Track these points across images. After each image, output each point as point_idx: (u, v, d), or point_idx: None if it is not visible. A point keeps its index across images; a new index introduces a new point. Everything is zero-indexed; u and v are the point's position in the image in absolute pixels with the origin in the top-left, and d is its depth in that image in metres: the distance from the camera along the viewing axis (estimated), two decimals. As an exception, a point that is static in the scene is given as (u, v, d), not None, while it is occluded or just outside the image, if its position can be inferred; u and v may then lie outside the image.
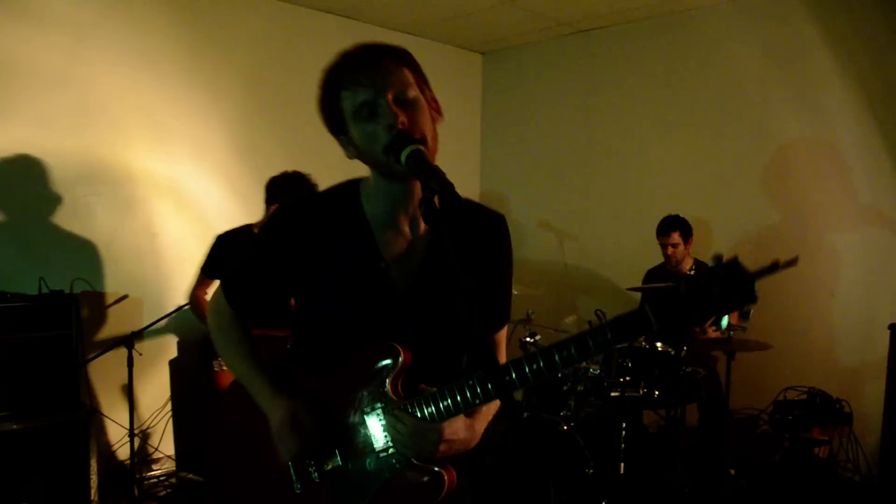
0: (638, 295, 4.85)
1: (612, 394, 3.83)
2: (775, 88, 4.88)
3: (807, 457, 4.24)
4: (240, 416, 1.69)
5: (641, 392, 3.85)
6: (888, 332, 3.95)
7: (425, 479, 1.47)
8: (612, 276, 5.71)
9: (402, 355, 1.48)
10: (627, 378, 3.84)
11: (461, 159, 6.59)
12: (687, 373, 3.84)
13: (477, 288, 1.55)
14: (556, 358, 1.33)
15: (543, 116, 6.27)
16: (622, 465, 3.73)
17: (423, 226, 1.57)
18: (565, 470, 3.67)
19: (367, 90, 1.42)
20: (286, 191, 3.68)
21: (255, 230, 3.79)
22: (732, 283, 1.21)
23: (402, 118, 1.41)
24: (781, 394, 4.57)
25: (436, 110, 1.54)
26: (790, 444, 4.37)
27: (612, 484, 3.68)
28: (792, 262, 1.23)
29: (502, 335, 1.74)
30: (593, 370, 3.97)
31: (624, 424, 3.75)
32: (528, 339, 4.17)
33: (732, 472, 4.33)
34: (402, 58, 1.50)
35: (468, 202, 1.62)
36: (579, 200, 6.04)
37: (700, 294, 1.22)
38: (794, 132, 4.82)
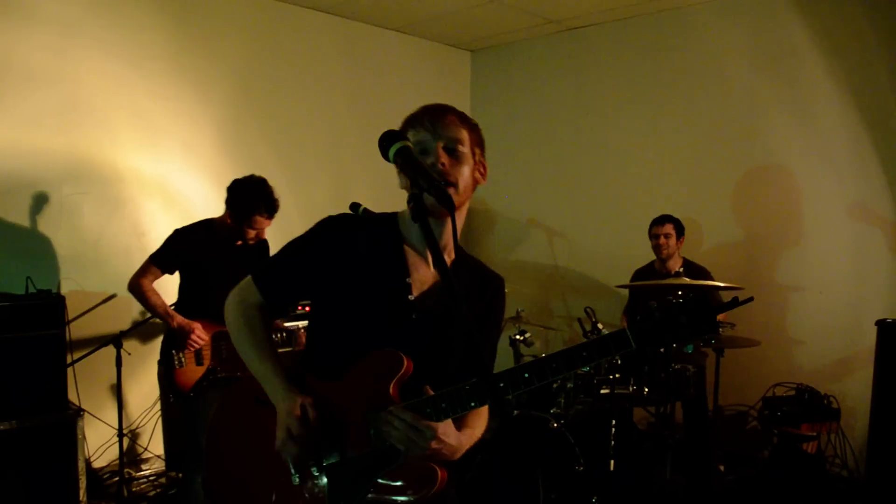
0: (625, 292, 4.86)
1: (602, 391, 3.84)
2: (763, 86, 4.91)
3: (795, 452, 4.27)
4: (242, 412, 1.79)
5: (631, 389, 3.86)
6: (875, 328, 3.97)
7: (419, 473, 1.58)
8: (601, 274, 5.72)
9: (406, 363, 1.61)
10: (617, 375, 3.85)
11: (450, 157, 6.57)
12: (676, 370, 3.86)
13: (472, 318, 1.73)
14: (546, 370, 1.50)
15: (532, 114, 6.27)
16: (612, 461, 3.74)
17: (447, 260, 1.72)
18: (555, 467, 3.67)
19: (425, 132, 1.63)
20: (244, 195, 3.56)
21: (217, 225, 3.65)
22: (699, 314, 1.44)
23: (444, 160, 1.61)
24: (770, 390, 4.60)
25: (481, 174, 1.74)
26: (779, 439, 4.39)
27: (602, 480, 3.69)
28: (748, 300, 1.49)
29: None
30: (583, 368, 3.98)
31: (613, 421, 3.76)
32: (517, 336, 4.17)
33: (721, 467, 4.35)
34: (467, 121, 1.70)
35: (471, 259, 1.85)
36: (569, 198, 6.05)
37: (672, 321, 1.45)
38: (783, 130, 4.85)
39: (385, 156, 1.51)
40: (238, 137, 5.02)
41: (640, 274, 4.80)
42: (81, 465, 3.53)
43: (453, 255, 1.75)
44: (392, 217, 1.80)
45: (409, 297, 1.70)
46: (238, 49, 5.05)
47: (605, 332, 4.03)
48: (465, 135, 1.67)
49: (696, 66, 5.25)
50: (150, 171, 4.62)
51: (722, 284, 4.00)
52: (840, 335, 4.60)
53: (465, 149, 1.67)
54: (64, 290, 4.12)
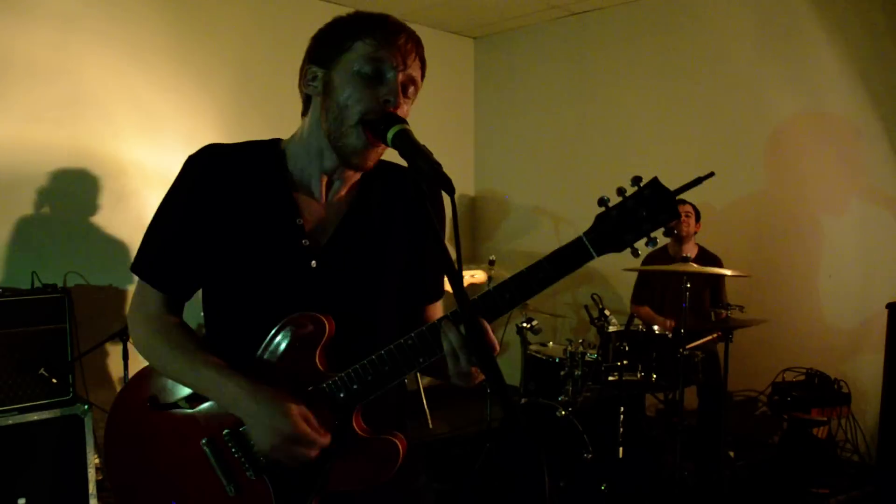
0: (632, 279, 4.83)
1: (610, 378, 3.83)
2: (770, 67, 4.85)
3: (806, 437, 4.25)
4: (138, 423, 1.49)
5: (639, 376, 3.84)
6: (886, 311, 3.94)
7: (379, 449, 1.41)
8: (607, 261, 5.65)
9: (327, 325, 1.39)
10: (625, 362, 3.83)
11: (454, 145, 6.55)
12: (684, 355, 3.84)
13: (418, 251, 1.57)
14: (499, 300, 1.32)
15: (537, 100, 6.24)
16: (621, 449, 3.73)
17: (340, 194, 1.51)
18: (564, 455, 3.66)
19: (388, 54, 1.38)
20: None
21: None
22: (657, 201, 1.28)
23: (403, 104, 1.39)
24: (779, 375, 4.58)
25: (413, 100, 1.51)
26: (789, 424, 4.38)
27: (611, 468, 3.68)
28: (709, 175, 1.33)
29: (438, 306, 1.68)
30: (591, 355, 3.96)
31: (622, 409, 3.75)
32: (524, 323, 4.15)
33: (731, 453, 4.33)
34: (423, 52, 1.48)
35: (383, 163, 1.55)
36: (574, 184, 6.01)
37: (630, 217, 1.29)
38: (790, 111, 4.80)
39: (382, 138, 1.33)
40: (240, 128, 5.00)
41: (653, 256, 4.69)
42: (91, 458, 3.54)
43: (357, 177, 1.53)
44: (272, 145, 1.54)
45: (304, 241, 1.44)
46: (239, 39, 5.03)
47: (612, 318, 4.05)
48: (419, 80, 1.46)
49: (701, 47, 5.20)
50: (153, 163, 4.60)
51: (729, 272, 3.97)
52: (850, 319, 4.57)
53: (416, 89, 1.45)
54: (69, 284, 4.11)
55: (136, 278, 1.51)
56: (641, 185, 1.29)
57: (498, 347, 1.28)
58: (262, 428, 1.34)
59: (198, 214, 1.44)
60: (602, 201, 1.32)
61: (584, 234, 1.31)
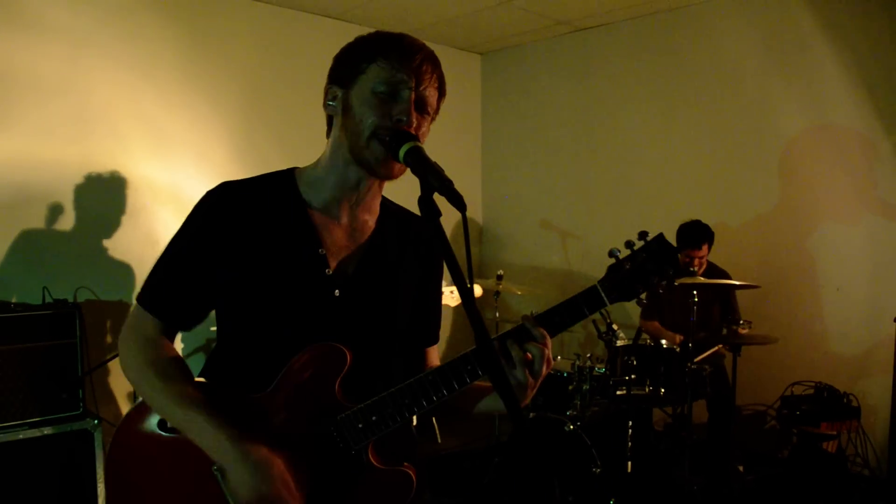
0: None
1: (618, 392, 3.82)
2: (775, 81, 4.86)
3: (815, 451, 4.22)
4: (147, 448, 1.46)
5: (647, 390, 3.84)
6: (894, 324, 3.93)
7: (393, 480, 1.43)
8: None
9: (348, 357, 1.41)
10: (633, 376, 3.83)
11: (462, 160, 6.58)
12: (692, 369, 3.83)
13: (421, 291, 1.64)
14: (520, 344, 1.39)
15: (543, 116, 6.26)
16: (629, 463, 3.72)
17: (363, 219, 1.54)
18: (572, 469, 3.66)
19: (402, 75, 1.39)
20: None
21: None
22: (663, 255, 1.41)
23: (415, 122, 1.40)
24: (788, 389, 4.56)
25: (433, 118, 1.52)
26: (798, 439, 4.35)
27: (619, 482, 3.67)
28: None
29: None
30: (599, 369, 3.96)
31: (630, 423, 3.74)
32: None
33: (741, 468, 4.31)
34: (444, 91, 1.49)
35: (394, 206, 1.63)
36: (581, 199, 6.02)
37: (640, 269, 1.41)
38: (796, 125, 4.80)
39: (394, 155, 1.34)
40: (250, 144, 5.04)
41: None
42: (101, 472, 3.55)
43: (377, 212, 1.57)
44: (288, 175, 1.55)
45: (327, 270, 1.47)
46: (249, 56, 5.07)
47: (620, 332, 4.05)
48: (435, 88, 1.46)
49: (706, 62, 5.22)
50: (163, 180, 4.64)
51: (738, 283, 3.97)
52: (859, 332, 4.55)
53: (433, 107, 1.46)
54: (80, 299, 4.14)
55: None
56: (648, 239, 1.42)
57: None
58: (240, 481, 1.32)
59: (207, 246, 1.44)
60: (612, 253, 1.44)
61: (599, 282, 1.41)
